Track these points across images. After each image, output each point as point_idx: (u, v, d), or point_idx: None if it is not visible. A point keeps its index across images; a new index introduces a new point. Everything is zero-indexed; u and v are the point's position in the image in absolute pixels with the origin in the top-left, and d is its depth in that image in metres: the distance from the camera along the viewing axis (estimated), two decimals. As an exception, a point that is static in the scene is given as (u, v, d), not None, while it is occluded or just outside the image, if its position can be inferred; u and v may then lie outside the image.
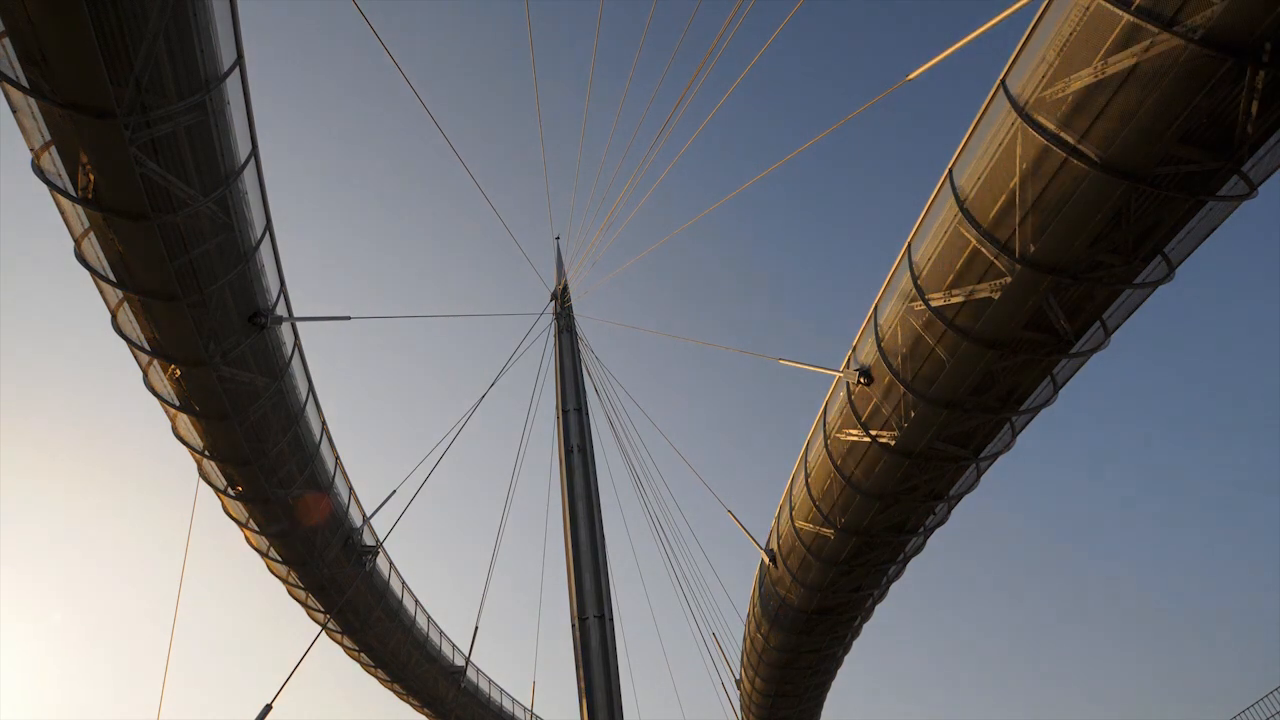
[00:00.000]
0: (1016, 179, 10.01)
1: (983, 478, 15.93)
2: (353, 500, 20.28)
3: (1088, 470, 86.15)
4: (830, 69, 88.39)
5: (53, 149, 10.34)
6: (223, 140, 11.35)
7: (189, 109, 10.42)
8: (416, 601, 25.34)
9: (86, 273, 12.28)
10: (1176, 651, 74.48)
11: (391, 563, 23.54)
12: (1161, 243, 10.56)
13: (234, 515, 19.05)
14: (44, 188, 10.83)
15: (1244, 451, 74.43)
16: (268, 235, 13.50)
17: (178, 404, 14.96)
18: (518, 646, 49.44)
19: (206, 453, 16.33)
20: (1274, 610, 63.92)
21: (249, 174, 12.33)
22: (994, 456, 15.12)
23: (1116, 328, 11.95)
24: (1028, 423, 14.26)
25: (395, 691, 28.69)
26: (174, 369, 14.02)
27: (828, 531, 17.43)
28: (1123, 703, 71.65)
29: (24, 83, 9.37)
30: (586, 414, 24.54)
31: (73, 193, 10.80)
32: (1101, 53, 8.56)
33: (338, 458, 19.09)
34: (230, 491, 17.74)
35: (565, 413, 24.10)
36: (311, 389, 17.04)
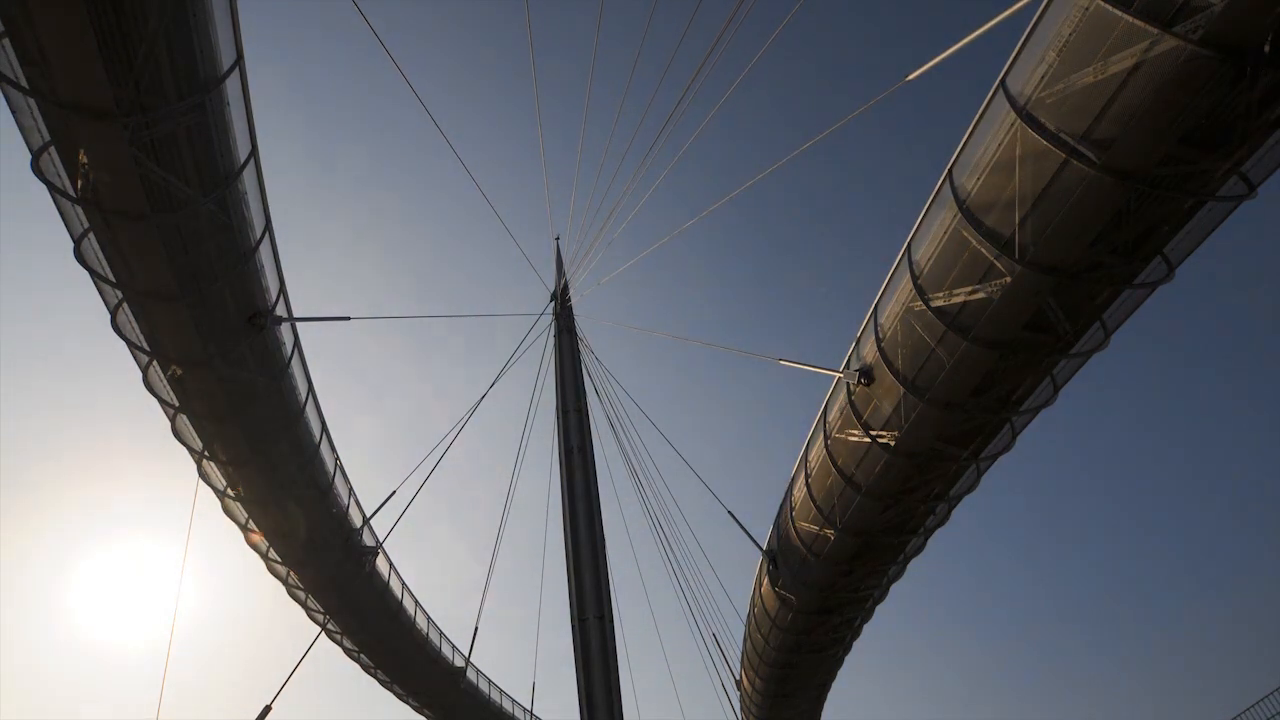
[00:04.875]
0: (1016, 180, 10.01)
1: (983, 478, 15.94)
2: (353, 501, 20.26)
3: (1085, 467, 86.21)
4: (830, 69, 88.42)
5: (52, 149, 10.35)
6: (222, 141, 11.36)
7: (189, 109, 10.43)
8: (416, 602, 25.31)
9: (86, 273, 12.28)
10: (1175, 651, 74.48)
11: (391, 563, 23.51)
12: (1161, 243, 10.57)
13: (233, 516, 19.04)
14: (44, 187, 10.84)
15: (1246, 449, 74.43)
16: (267, 235, 13.50)
17: (177, 404, 14.95)
18: (518, 647, 49.50)
19: (206, 453, 16.32)
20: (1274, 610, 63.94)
21: (249, 174, 12.33)
22: (994, 457, 15.12)
23: (1116, 328, 11.95)
24: (1028, 423, 14.26)
25: (395, 693, 28.66)
26: (173, 369, 14.02)
27: (828, 532, 17.42)
28: (1122, 702, 71.67)
29: (24, 83, 9.38)
30: (586, 414, 24.53)
31: (72, 193, 10.81)
32: (1101, 53, 8.57)
33: (337, 458, 19.07)
34: (230, 492, 17.73)
35: (565, 413, 24.08)
36: (311, 389, 17.02)
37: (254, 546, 20.43)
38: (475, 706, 30.38)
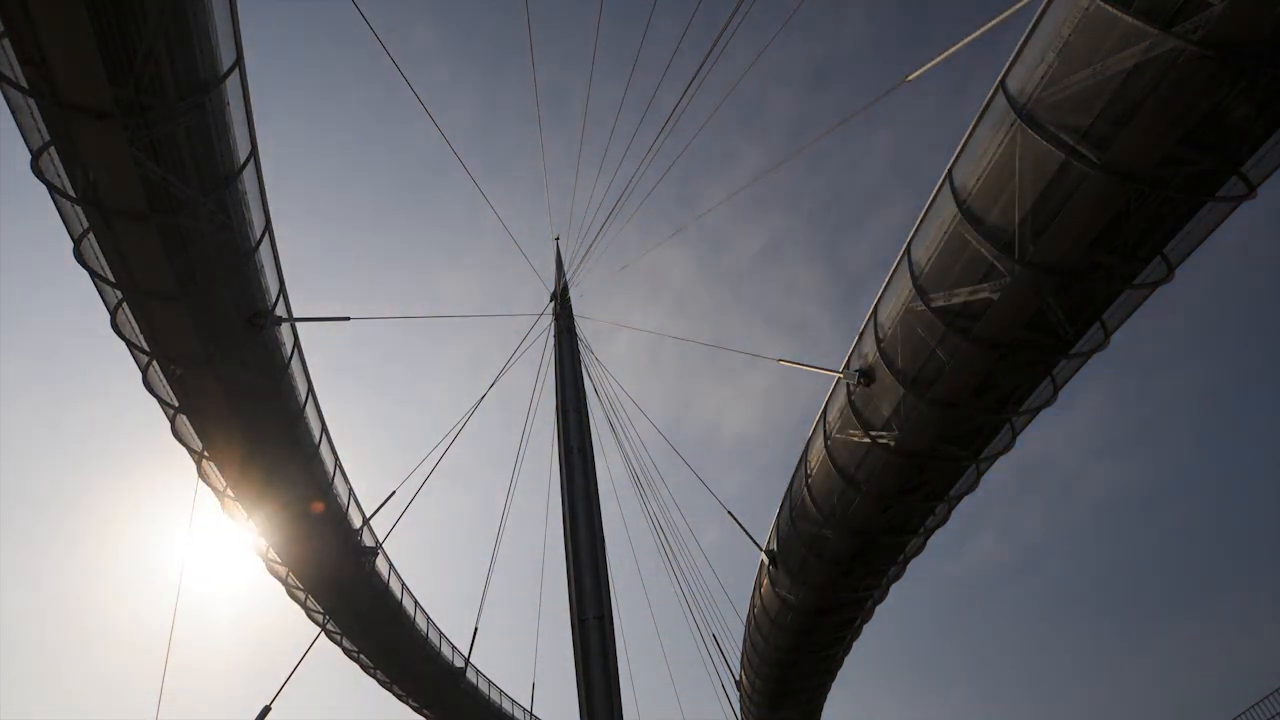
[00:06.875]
0: (1016, 180, 10.01)
1: (982, 478, 15.92)
2: (352, 501, 20.25)
3: (1081, 461, 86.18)
4: (831, 68, 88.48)
5: (52, 149, 10.34)
6: (222, 141, 11.35)
7: (189, 109, 10.42)
8: (416, 602, 25.30)
9: (86, 273, 12.26)
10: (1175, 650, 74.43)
11: (391, 564, 23.49)
12: (1161, 243, 10.57)
13: (233, 516, 19.02)
14: (44, 187, 10.83)
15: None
16: (267, 236, 13.49)
17: (177, 404, 14.94)
18: (518, 647, 49.57)
19: (205, 454, 16.31)
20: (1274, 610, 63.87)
21: (249, 174, 12.31)
22: (994, 457, 15.11)
23: (1116, 328, 11.95)
24: (1028, 423, 14.25)
25: (395, 693, 28.65)
26: (173, 369, 14.01)
27: (827, 532, 17.41)
28: (1121, 702, 71.62)
29: (23, 83, 9.37)
30: (586, 414, 24.53)
31: (72, 193, 10.80)
32: (1101, 54, 8.57)
33: (337, 459, 19.05)
34: (230, 493, 17.71)
35: (565, 413, 24.10)
36: (311, 389, 17.01)
37: (253, 548, 20.41)
38: (475, 707, 30.36)
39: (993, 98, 10.18)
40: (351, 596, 22.10)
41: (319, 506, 18.54)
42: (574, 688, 19.77)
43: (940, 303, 11.87)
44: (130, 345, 13.65)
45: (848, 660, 26.26)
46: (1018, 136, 9.80)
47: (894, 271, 13.05)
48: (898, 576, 20.24)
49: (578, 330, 27.37)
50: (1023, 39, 9.52)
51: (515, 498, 24.52)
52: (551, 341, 26.98)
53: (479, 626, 23.23)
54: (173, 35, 9.64)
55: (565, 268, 29.24)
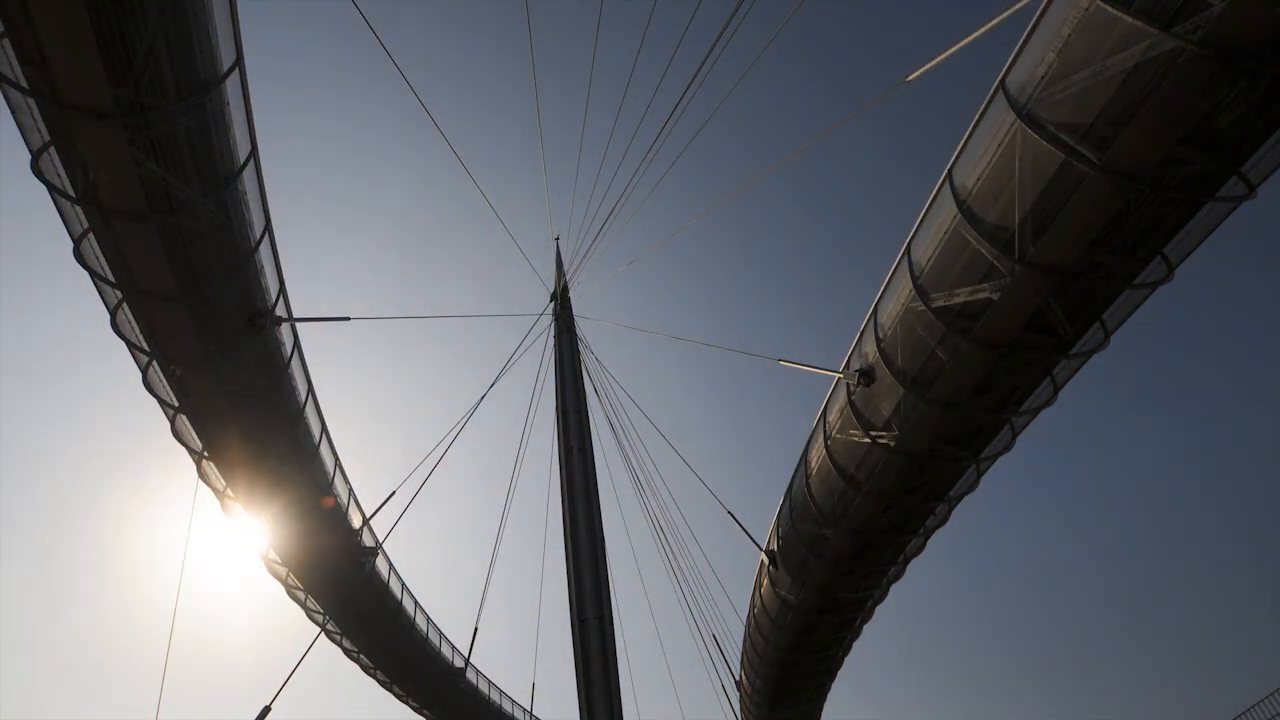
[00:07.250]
0: (1016, 180, 10.01)
1: (983, 478, 15.92)
2: (352, 502, 20.23)
3: (1080, 461, 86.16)
4: (830, 69, 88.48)
5: (52, 149, 10.33)
6: (222, 141, 11.34)
7: (189, 109, 10.41)
8: (416, 603, 25.29)
9: (86, 273, 12.26)
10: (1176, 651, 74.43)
11: (391, 564, 23.49)
12: (1161, 243, 10.57)
13: (233, 517, 19.02)
14: (44, 187, 10.82)
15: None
16: (267, 236, 13.49)
17: (177, 404, 14.94)
18: (518, 647, 49.61)
19: (205, 454, 16.31)
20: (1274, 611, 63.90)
21: (249, 175, 12.31)
22: (994, 457, 15.11)
23: (1116, 328, 11.95)
24: (1028, 423, 14.25)
25: (395, 693, 28.66)
26: (173, 369, 14.01)
27: (827, 532, 17.41)
28: (1120, 704, 71.63)
29: (23, 83, 9.37)
30: (586, 415, 24.53)
31: (72, 193, 10.79)
32: (1101, 54, 8.57)
33: (337, 459, 19.04)
34: (229, 493, 17.71)
35: (565, 413, 24.10)
36: (311, 390, 17.00)
37: (253, 548, 20.40)
38: (475, 707, 30.37)
39: (993, 98, 10.17)
40: (351, 596, 22.10)
41: (329, 501, 18.54)
42: (574, 688, 19.76)
43: (940, 303, 11.87)
44: (130, 345, 13.65)
45: (850, 660, 26.29)
46: (1018, 136, 9.80)
47: (894, 271, 13.05)
48: (898, 576, 20.25)
49: (578, 330, 27.39)
50: (1023, 39, 9.51)
51: (515, 498, 24.54)
52: (551, 341, 26.98)
53: (479, 626, 23.23)
54: (173, 35, 9.63)
55: (565, 267, 29.25)
